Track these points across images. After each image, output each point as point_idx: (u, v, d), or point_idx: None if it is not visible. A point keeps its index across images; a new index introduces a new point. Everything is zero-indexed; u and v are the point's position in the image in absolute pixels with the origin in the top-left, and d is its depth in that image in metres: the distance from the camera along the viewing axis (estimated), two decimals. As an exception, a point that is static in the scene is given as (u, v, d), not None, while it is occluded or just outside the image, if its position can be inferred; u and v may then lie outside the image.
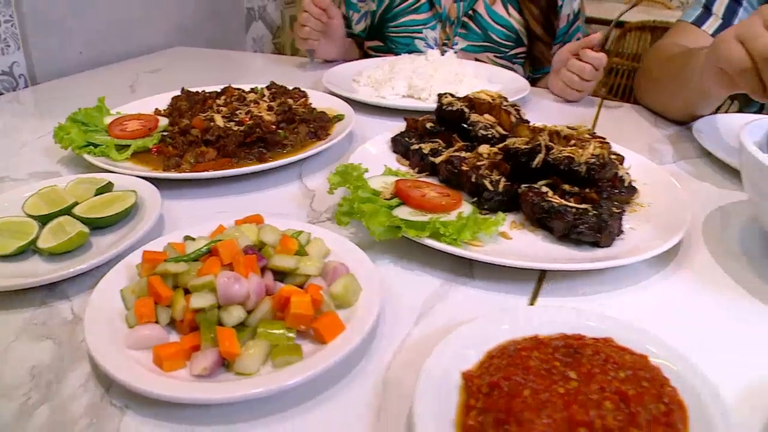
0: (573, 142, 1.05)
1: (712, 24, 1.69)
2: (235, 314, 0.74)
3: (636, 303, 0.91)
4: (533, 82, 2.18)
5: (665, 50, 1.73)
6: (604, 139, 1.16)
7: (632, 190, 1.13)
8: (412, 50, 2.09)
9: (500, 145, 1.10)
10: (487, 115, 1.19)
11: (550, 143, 1.05)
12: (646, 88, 1.83)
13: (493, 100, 1.21)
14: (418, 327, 0.82)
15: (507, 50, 2.11)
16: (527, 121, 1.23)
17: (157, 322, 0.77)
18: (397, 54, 2.08)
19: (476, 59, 2.10)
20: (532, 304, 0.90)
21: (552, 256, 0.96)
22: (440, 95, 1.27)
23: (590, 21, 4.07)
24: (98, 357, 0.69)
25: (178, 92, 1.59)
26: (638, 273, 0.97)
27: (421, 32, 2.12)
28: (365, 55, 2.28)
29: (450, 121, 1.23)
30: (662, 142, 1.56)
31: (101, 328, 0.74)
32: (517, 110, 1.23)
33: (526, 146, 1.05)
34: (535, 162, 1.04)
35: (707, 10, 1.71)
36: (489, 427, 0.60)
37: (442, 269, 0.95)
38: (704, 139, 1.44)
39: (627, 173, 1.14)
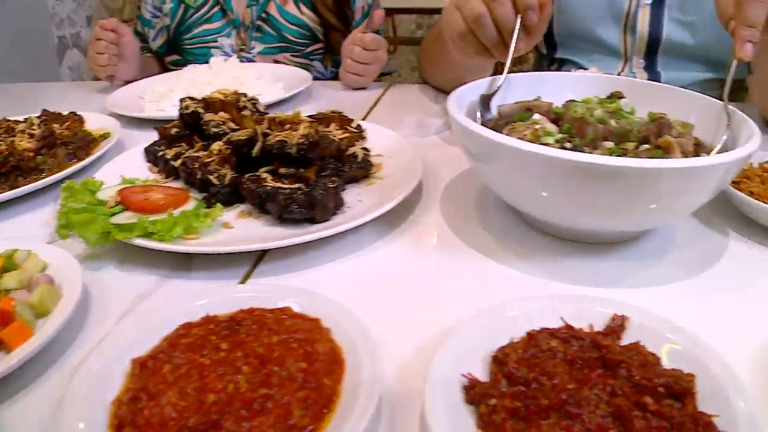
0: (288, 126, 1.12)
1: None
2: None
3: (348, 272, 0.97)
4: (337, 76, 2.26)
5: (439, 28, 1.83)
6: (349, 119, 1.25)
7: (367, 164, 1.20)
8: (209, 60, 2.12)
9: (224, 140, 1.15)
10: (221, 113, 1.24)
11: (268, 130, 1.12)
12: (423, 65, 1.93)
13: (225, 97, 1.26)
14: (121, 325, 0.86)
15: (303, 48, 2.19)
16: (265, 113, 1.29)
17: None
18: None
19: (275, 61, 2.16)
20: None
21: (268, 237, 1.00)
22: (181, 100, 1.32)
23: (392, 12, 4.16)
24: None
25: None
26: (359, 242, 1.04)
27: (217, 41, 2.16)
28: (166, 70, 2.29)
29: (191, 123, 1.28)
30: (435, 116, 1.67)
31: None
32: (254, 104, 1.30)
33: (245, 137, 1.11)
34: (255, 150, 1.10)
35: None
36: (126, 404, 0.66)
37: (162, 267, 0.99)
38: None
39: (363, 149, 1.22)
